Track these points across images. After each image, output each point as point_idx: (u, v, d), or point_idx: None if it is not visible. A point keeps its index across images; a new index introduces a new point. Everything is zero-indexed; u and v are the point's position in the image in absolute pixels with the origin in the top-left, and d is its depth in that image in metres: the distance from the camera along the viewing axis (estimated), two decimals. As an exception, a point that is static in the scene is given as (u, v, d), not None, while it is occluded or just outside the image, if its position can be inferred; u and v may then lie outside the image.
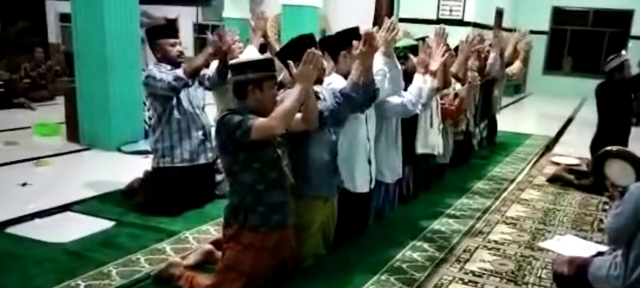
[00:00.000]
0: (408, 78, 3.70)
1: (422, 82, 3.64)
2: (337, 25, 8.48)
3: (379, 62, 3.23)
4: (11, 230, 3.42)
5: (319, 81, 2.87)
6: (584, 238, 3.75)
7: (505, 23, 12.26)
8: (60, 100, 7.05)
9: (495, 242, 3.60)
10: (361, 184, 3.31)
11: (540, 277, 3.10)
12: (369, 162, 3.34)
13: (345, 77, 2.97)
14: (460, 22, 10.58)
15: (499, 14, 12.49)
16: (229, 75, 2.96)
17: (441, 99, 4.58)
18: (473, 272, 3.11)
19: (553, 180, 5.15)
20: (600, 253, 3.12)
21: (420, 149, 4.28)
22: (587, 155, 5.44)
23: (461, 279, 3.01)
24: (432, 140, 4.37)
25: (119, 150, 5.48)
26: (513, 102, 11.65)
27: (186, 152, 3.82)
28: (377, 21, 3.30)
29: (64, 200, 3.91)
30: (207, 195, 4.00)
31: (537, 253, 3.43)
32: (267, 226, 2.61)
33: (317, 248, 3.05)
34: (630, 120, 5.48)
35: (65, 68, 9.58)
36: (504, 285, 3.00)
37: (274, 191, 2.62)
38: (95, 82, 5.50)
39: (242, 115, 2.50)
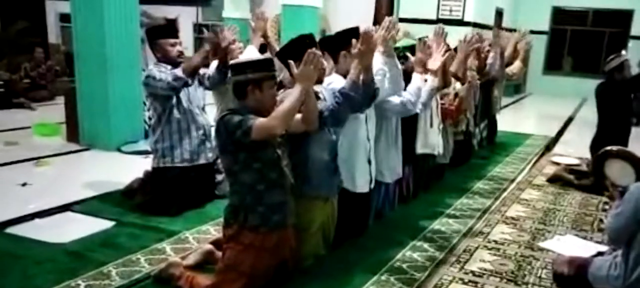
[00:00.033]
0: (408, 78, 3.70)
1: (420, 82, 3.64)
2: (337, 25, 8.48)
3: (378, 61, 3.23)
4: (11, 230, 3.42)
5: (319, 81, 2.86)
6: (584, 238, 3.75)
7: (505, 23, 12.26)
8: (60, 100, 7.05)
9: (496, 242, 3.60)
10: (361, 184, 3.31)
11: (540, 277, 3.09)
12: (369, 162, 3.34)
13: (345, 77, 2.97)
14: (460, 22, 10.58)
15: (499, 14, 12.50)
16: (229, 75, 2.96)
17: (441, 98, 4.58)
18: (473, 272, 3.11)
19: (553, 180, 5.15)
20: (600, 253, 3.12)
21: (420, 149, 4.28)
22: (587, 155, 5.44)
23: (461, 279, 3.01)
24: (432, 140, 4.37)
25: (119, 150, 5.48)
26: (513, 102, 11.65)
27: (186, 152, 3.81)
28: (377, 21, 3.30)
29: (64, 200, 3.91)
30: (207, 195, 4.00)
31: (537, 253, 3.43)
32: (267, 226, 2.61)
33: (317, 248, 3.05)
34: (630, 120, 5.48)
35: (65, 68, 9.58)
36: (504, 285, 3.00)
37: (274, 191, 2.62)
38: (95, 82, 5.50)
39: (242, 115, 2.50)
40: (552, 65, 14.48)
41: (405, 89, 3.60)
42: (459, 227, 3.83)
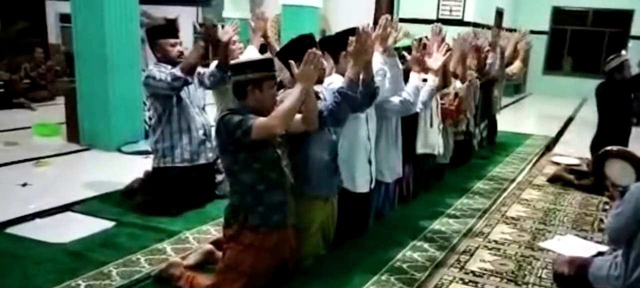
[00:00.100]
0: (408, 78, 3.70)
1: (417, 81, 3.64)
2: (337, 25, 8.48)
3: (378, 61, 3.23)
4: (11, 230, 3.42)
5: (319, 81, 2.86)
6: (585, 238, 3.75)
7: (505, 23, 12.26)
8: (61, 100, 7.05)
9: (496, 242, 3.60)
10: (361, 184, 3.31)
11: (540, 277, 3.09)
12: (370, 162, 3.34)
13: (346, 77, 2.97)
14: (460, 22, 10.58)
15: (499, 14, 12.50)
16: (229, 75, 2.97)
17: (441, 98, 4.58)
18: (473, 272, 3.11)
19: (553, 180, 5.15)
20: (600, 253, 3.12)
21: (420, 149, 4.28)
22: (588, 155, 5.44)
23: (461, 279, 3.01)
24: (432, 140, 4.37)
25: (119, 150, 5.48)
26: (513, 102, 11.65)
27: (186, 152, 3.81)
28: (377, 21, 3.33)
29: (64, 201, 3.91)
30: (208, 195, 4.00)
31: (537, 253, 3.43)
32: (267, 226, 2.61)
33: (317, 248, 3.05)
34: (630, 120, 5.48)
35: (66, 68, 9.58)
36: (505, 285, 3.00)
37: (274, 191, 2.62)
38: (95, 82, 5.50)
39: (242, 115, 2.50)
40: (552, 65, 14.47)
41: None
42: (459, 227, 3.83)
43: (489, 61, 5.79)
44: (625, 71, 5.08)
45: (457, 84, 4.90)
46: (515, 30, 7.07)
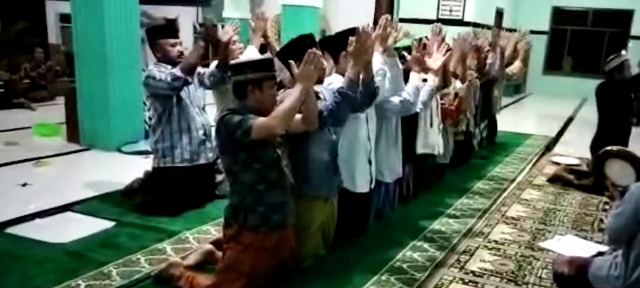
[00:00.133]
0: (408, 78, 3.70)
1: (417, 81, 3.64)
2: (337, 25, 8.48)
3: (378, 61, 3.23)
4: (11, 230, 3.42)
5: (319, 81, 2.87)
6: (585, 238, 3.75)
7: (505, 23, 12.26)
8: (61, 100, 7.05)
9: (496, 242, 3.60)
10: (361, 184, 3.31)
11: (540, 277, 3.09)
12: (370, 162, 3.34)
13: (347, 77, 2.97)
14: (460, 22, 10.58)
15: (499, 14, 12.50)
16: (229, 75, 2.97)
17: (441, 98, 4.58)
18: (473, 272, 3.11)
19: (553, 180, 5.15)
20: (600, 253, 3.12)
21: (420, 149, 4.28)
22: (588, 155, 5.44)
23: (461, 279, 3.01)
24: (432, 140, 4.37)
25: (119, 150, 5.48)
26: (513, 102, 11.65)
27: (186, 152, 3.81)
28: (377, 21, 3.33)
29: (64, 201, 3.91)
30: (208, 195, 4.00)
31: (537, 253, 3.43)
32: (267, 226, 2.61)
33: (317, 248, 3.05)
34: (630, 120, 5.48)
35: (66, 68, 9.58)
36: (505, 285, 3.00)
37: (274, 191, 2.62)
38: (95, 82, 5.50)
39: (242, 115, 2.50)
40: (552, 65, 14.47)
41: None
42: (459, 227, 3.83)
43: (489, 61, 5.79)
44: (625, 71, 5.08)
45: (457, 84, 4.90)
46: (515, 30, 7.07)
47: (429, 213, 4.07)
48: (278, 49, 3.56)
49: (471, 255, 3.35)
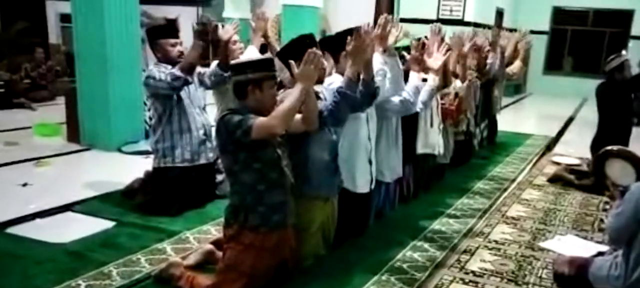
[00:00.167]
0: (408, 78, 3.70)
1: (417, 80, 3.64)
2: (337, 25, 8.47)
3: (378, 61, 3.23)
4: (12, 230, 3.42)
5: (320, 81, 2.87)
6: (585, 238, 3.75)
7: (506, 23, 12.25)
8: (61, 100, 7.05)
9: (496, 242, 3.60)
10: (362, 184, 3.31)
11: (540, 277, 3.09)
12: (370, 162, 3.34)
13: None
14: (461, 22, 10.58)
15: (499, 14, 12.49)
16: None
17: (441, 98, 4.58)
18: (474, 272, 3.11)
19: (553, 180, 5.15)
20: (600, 253, 3.12)
21: (420, 149, 4.28)
22: (588, 155, 5.44)
23: (462, 279, 3.01)
24: (432, 140, 4.37)
25: (120, 150, 5.48)
26: (513, 102, 11.65)
27: (187, 152, 3.81)
28: (377, 21, 3.35)
29: (64, 201, 3.91)
30: (208, 195, 4.00)
31: (537, 253, 3.43)
32: (267, 226, 2.61)
33: (317, 248, 3.05)
34: (631, 120, 5.47)
35: (66, 68, 9.57)
36: (505, 285, 3.00)
37: (275, 191, 2.62)
38: (95, 82, 5.50)
39: (242, 115, 2.50)
40: (553, 65, 14.47)
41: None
42: (459, 227, 3.83)
43: (489, 61, 5.79)
44: (626, 71, 5.08)
45: (457, 84, 4.89)
46: (515, 30, 7.06)
47: (429, 213, 4.07)
48: (278, 49, 3.56)
49: (471, 255, 3.35)
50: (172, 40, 3.80)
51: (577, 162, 5.82)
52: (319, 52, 2.59)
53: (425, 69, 3.83)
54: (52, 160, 5.15)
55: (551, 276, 3.07)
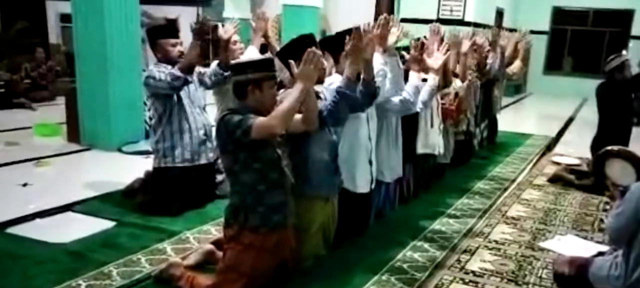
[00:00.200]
0: (408, 77, 3.70)
1: (417, 80, 3.64)
2: (337, 25, 8.48)
3: (379, 62, 3.23)
4: (12, 230, 3.42)
5: (320, 81, 2.87)
6: (585, 238, 3.75)
7: (506, 23, 12.25)
8: (61, 100, 7.05)
9: (496, 242, 3.60)
10: (362, 185, 3.31)
11: (541, 277, 3.09)
12: (370, 162, 3.34)
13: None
14: (461, 22, 10.58)
15: (500, 14, 12.49)
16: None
17: (441, 98, 4.58)
18: (474, 272, 3.11)
19: (554, 180, 5.14)
20: (600, 254, 3.12)
21: (420, 149, 4.28)
22: (588, 155, 5.44)
23: (462, 279, 3.01)
24: (432, 140, 4.37)
25: (120, 150, 5.48)
26: (513, 102, 11.65)
27: (187, 152, 3.81)
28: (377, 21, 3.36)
29: (64, 201, 3.91)
30: (208, 195, 4.00)
31: (537, 254, 3.43)
32: (267, 226, 2.61)
33: (318, 249, 3.05)
34: (631, 120, 5.48)
35: (66, 68, 9.58)
36: (505, 285, 3.00)
37: (275, 191, 2.62)
38: (95, 82, 5.50)
39: (242, 115, 2.50)
40: (553, 65, 14.47)
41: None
42: (459, 227, 3.83)
43: (489, 61, 5.79)
44: (626, 71, 5.08)
45: (457, 83, 4.89)
46: (515, 30, 7.06)
47: (429, 213, 4.07)
48: (278, 49, 3.56)
49: (472, 255, 3.35)
50: (173, 41, 3.80)
51: (577, 162, 5.82)
52: (319, 52, 2.59)
53: (425, 69, 3.83)
54: (52, 160, 5.15)
55: (551, 276, 3.07)
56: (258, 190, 2.59)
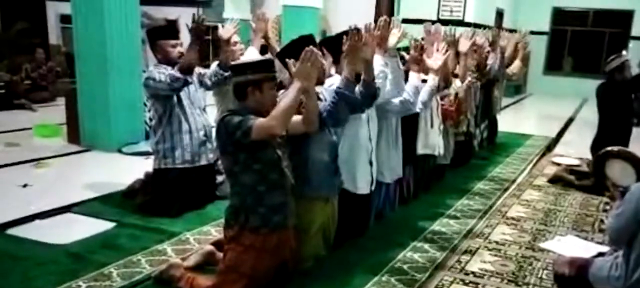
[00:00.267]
0: (408, 78, 3.70)
1: (416, 80, 3.64)
2: (337, 26, 8.48)
3: (379, 63, 3.23)
4: (12, 231, 3.42)
5: (320, 82, 2.87)
6: (585, 238, 3.75)
7: (506, 24, 12.26)
8: (61, 101, 7.05)
9: (496, 242, 3.60)
10: (362, 186, 3.31)
11: (541, 278, 3.09)
12: (371, 163, 3.34)
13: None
14: (461, 23, 10.58)
15: (500, 14, 12.50)
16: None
17: (441, 99, 4.58)
18: (474, 273, 3.11)
19: (554, 180, 5.14)
20: (601, 254, 3.12)
21: (421, 150, 4.28)
22: (588, 155, 5.44)
23: (462, 280, 3.01)
24: (432, 140, 4.37)
25: (120, 151, 5.48)
26: (513, 103, 11.65)
27: (187, 153, 3.81)
28: (377, 22, 3.36)
29: (64, 202, 3.91)
30: (208, 196, 4.00)
31: (538, 254, 3.43)
32: (267, 227, 2.61)
33: (318, 249, 3.05)
34: (631, 121, 5.48)
35: (66, 69, 9.58)
36: (505, 285, 3.00)
37: (275, 192, 2.62)
38: (95, 83, 5.50)
39: (242, 116, 2.50)
40: (553, 66, 14.48)
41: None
42: (459, 227, 3.83)
43: (489, 62, 5.79)
44: (626, 71, 5.08)
45: (456, 83, 4.89)
46: (515, 31, 7.06)
47: (429, 214, 4.07)
48: (279, 50, 3.56)
49: (472, 256, 3.35)
50: (172, 41, 3.80)
51: (577, 162, 5.82)
52: (316, 50, 2.59)
53: (425, 70, 3.83)
54: (53, 161, 5.15)
55: (551, 277, 3.07)
56: (258, 191, 2.59)
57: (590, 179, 4.78)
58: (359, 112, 3.10)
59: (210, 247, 3.03)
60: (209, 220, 3.67)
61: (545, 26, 14.11)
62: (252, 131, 2.45)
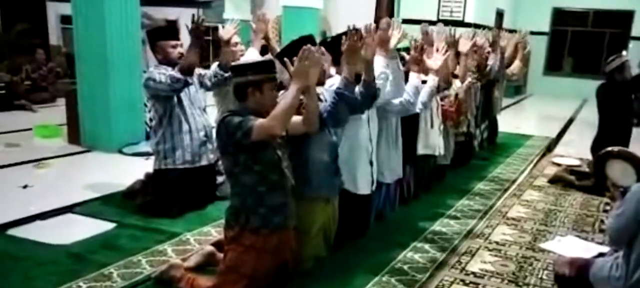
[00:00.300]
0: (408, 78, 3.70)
1: (416, 81, 3.64)
2: (337, 26, 8.49)
3: (380, 65, 3.23)
4: (12, 232, 3.42)
5: (320, 83, 2.87)
6: (585, 239, 3.75)
7: (506, 24, 12.26)
8: (61, 102, 7.05)
9: (497, 243, 3.60)
10: (363, 186, 3.31)
11: (541, 278, 3.10)
12: (371, 163, 3.34)
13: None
14: (461, 23, 10.58)
15: (500, 15, 12.50)
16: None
17: (441, 100, 4.58)
18: (474, 273, 3.11)
19: (554, 181, 5.15)
20: (601, 254, 3.11)
21: (421, 150, 4.28)
22: (588, 156, 5.44)
23: (462, 280, 3.01)
24: (433, 140, 4.37)
25: (120, 151, 5.48)
26: (514, 103, 11.65)
27: (187, 153, 3.81)
28: (378, 23, 3.34)
29: (65, 202, 3.91)
30: (208, 196, 4.00)
31: (538, 254, 3.43)
32: (268, 228, 2.61)
33: (318, 250, 3.05)
34: (631, 121, 5.47)
35: (67, 70, 9.58)
36: (505, 286, 3.00)
37: (275, 193, 2.62)
38: (96, 83, 5.50)
39: (243, 117, 2.50)
40: (553, 66, 14.47)
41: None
42: (459, 228, 3.83)
43: (489, 62, 5.79)
44: (626, 72, 5.07)
45: (456, 84, 4.89)
46: (515, 31, 7.06)
47: (429, 214, 4.07)
48: (279, 50, 3.56)
49: (472, 256, 3.35)
50: (173, 42, 3.80)
51: (577, 163, 5.83)
52: (314, 49, 2.59)
53: (425, 70, 3.83)
54: (53, 162, 5.15)
55: (552, 277, 3.07)
56: (258, 192, 2.59)
57: (590, 179, 4.79)
58: (359, 113, 3.10)
59: (210, 248, 3.03)
60: (209, 221, 3.67)
61: (545, 26, 14.11)
62: (253, 132, 2.45)
